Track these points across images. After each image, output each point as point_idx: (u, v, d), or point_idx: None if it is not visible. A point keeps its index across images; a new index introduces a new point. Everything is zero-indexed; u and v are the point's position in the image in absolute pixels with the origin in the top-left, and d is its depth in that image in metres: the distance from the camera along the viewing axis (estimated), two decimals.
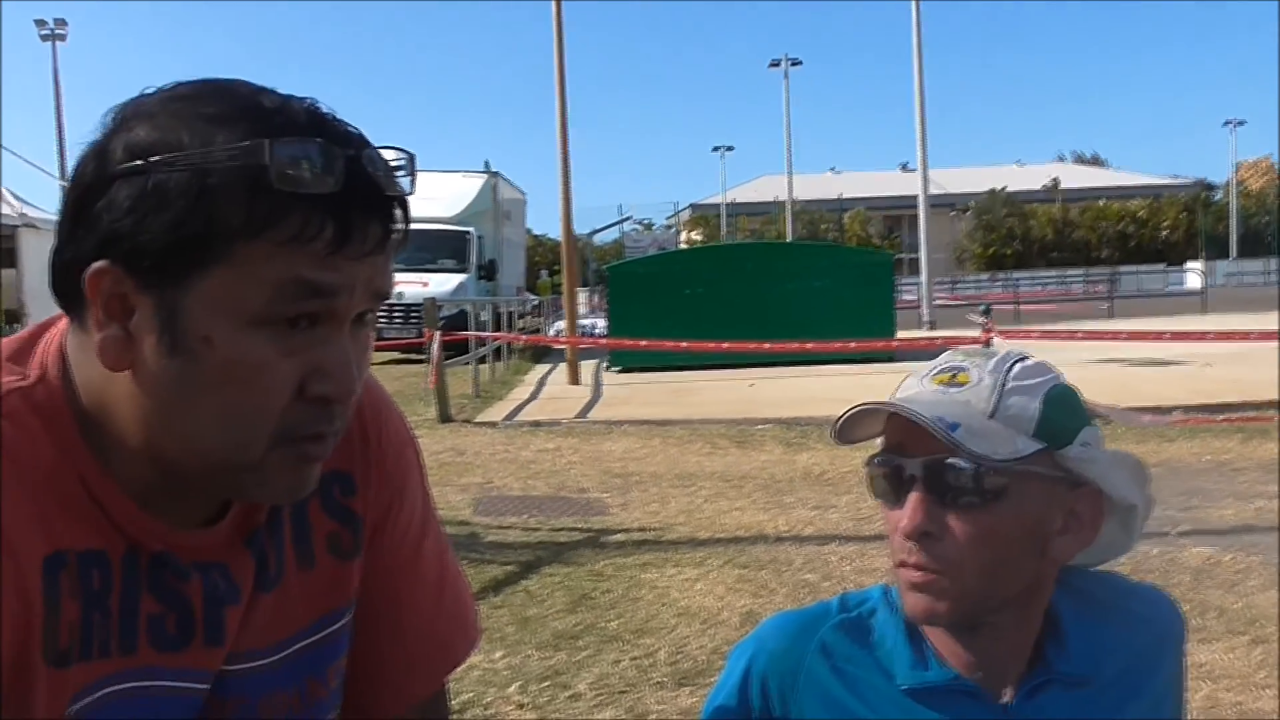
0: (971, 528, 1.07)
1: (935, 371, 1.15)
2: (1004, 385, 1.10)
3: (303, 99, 0.87)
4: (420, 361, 11.80)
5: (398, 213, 0.86)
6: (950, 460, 1.07)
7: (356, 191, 0.82)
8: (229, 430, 0.85)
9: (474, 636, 1.19)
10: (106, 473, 0.88)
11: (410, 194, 0.87)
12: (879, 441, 1.16)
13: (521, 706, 3.60)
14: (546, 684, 3.77)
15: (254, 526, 0.97)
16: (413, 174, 0.87)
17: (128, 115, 0.85)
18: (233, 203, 0.81)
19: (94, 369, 0.86)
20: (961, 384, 1.11)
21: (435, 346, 11.39)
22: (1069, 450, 1.10)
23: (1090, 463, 1.11)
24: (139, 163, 0.81)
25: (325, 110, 0.86)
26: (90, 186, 0.83)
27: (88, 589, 0.86)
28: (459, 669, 1.19)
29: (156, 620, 0.90)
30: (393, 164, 0.86)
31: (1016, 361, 1.13)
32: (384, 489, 1.08)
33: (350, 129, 0.86)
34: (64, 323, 0.91)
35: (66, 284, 0.86)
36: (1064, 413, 1.11)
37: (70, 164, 0.89)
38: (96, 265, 0.82)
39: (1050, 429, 1.09)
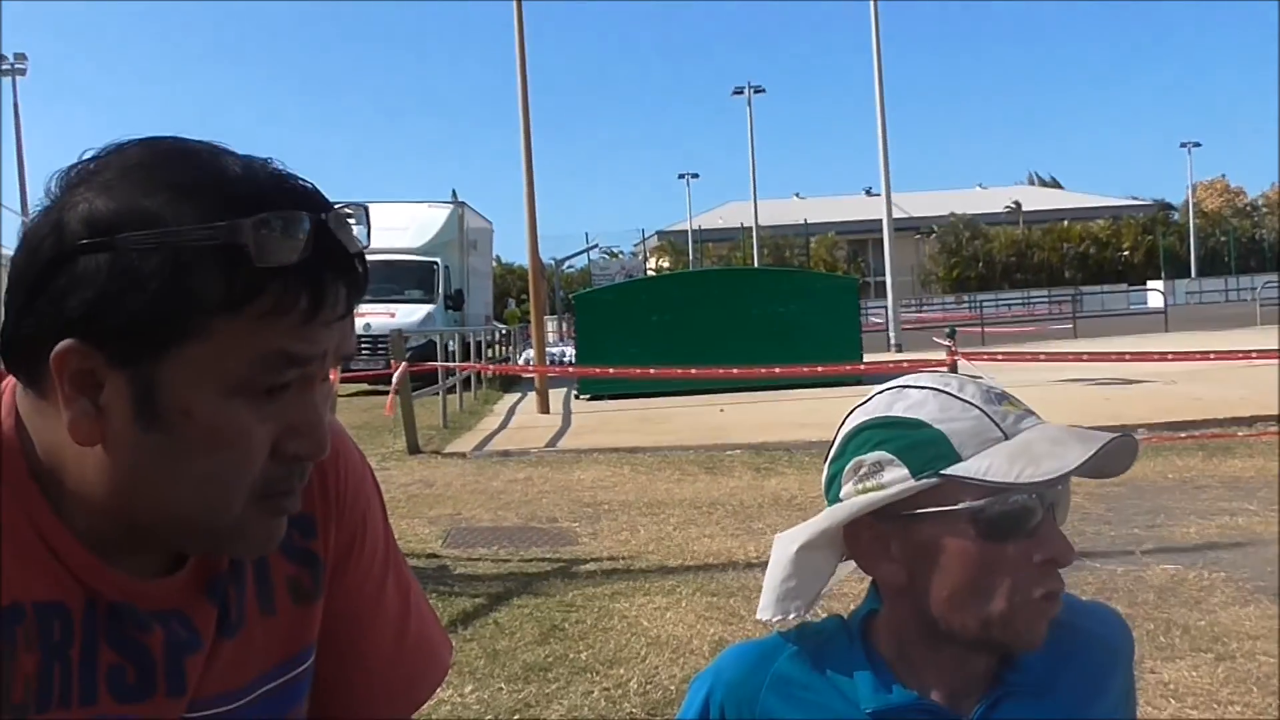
0: None
1: (998, 396, 1.13)
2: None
3: (263, 159, 0.86)
4: (387, 393, 11.76)
5: (360, 270, 0.87)
6: (1065, 482, 1.08)
7: (326, 256, 0.83)
8: (207, 496, 0.86)
9: (440, 673, 1.19)
10: (63, 524, 0.87)
11: (366, 247, 0.87)
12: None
13: None
14: (517, 717, 3.76)
15: (214, 573, 0.96)
16: (367, 227, 0.87)
17: (78, 183, 0.84)
18: (210, 282, 0.80)
19: (50, 430, 0.86)
20: (1024, 411, 1.12)
21: (396, 377, 11.35)
22: None
23: None
24: (104, 239, 0.80)
25: (284, 170, 0.86)
26: (50, 261, 0.81)
27: (47, 641, 0.86)
28: (425, 705, 1.19)
29: (117, 671, 0.90)
30: (349, 219, 0.86)
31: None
32: (344, 528, 1.08)
33: (309, 187, 0.86)
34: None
35: (21, 356, 0.85)
36: None
37: (31, 202, 0.88)
38: (64, 345, 0.81)
39: None
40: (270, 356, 0.83)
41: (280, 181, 0.85)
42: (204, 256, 0.80)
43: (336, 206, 0.86)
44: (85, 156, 0.86)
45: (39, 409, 0.87)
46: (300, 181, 0.86)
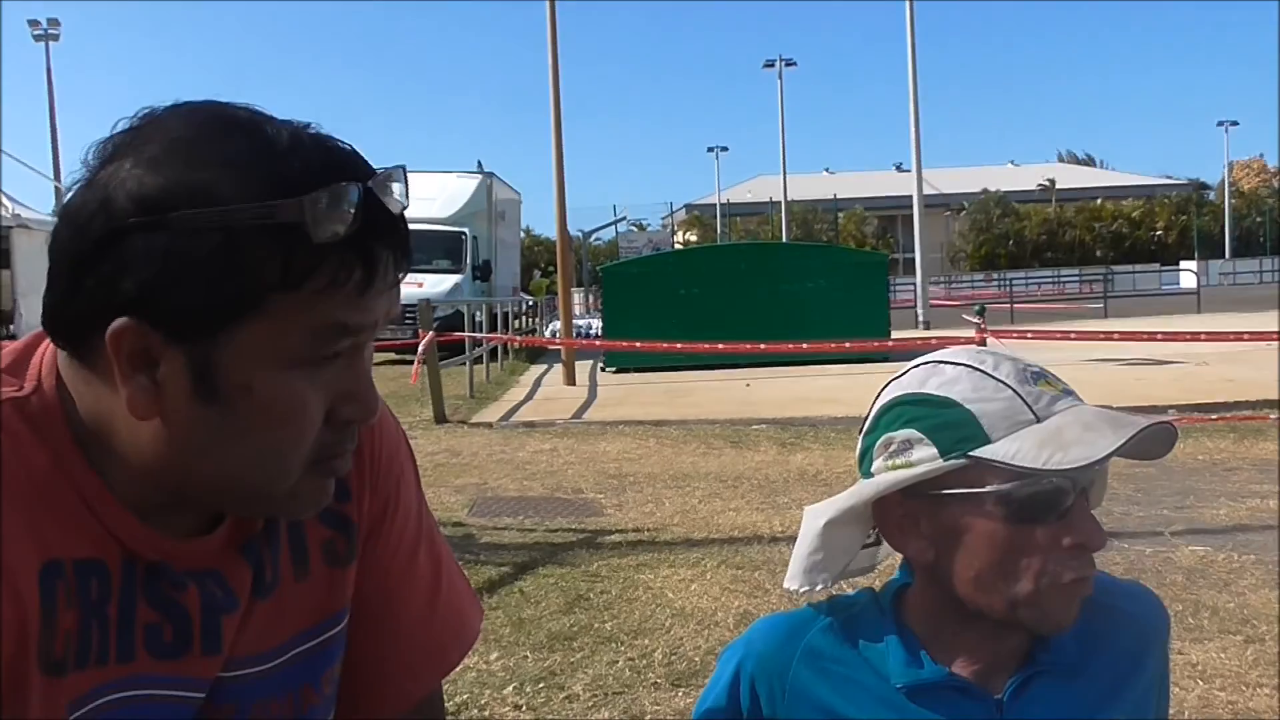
0: None
1: (1035, 376, 1.11)
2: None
3: (304, 125, 0.86)
4: (414, 362, 11.81)
5: (405, 233, 0.87)
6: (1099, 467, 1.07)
7: (375, 224, 0.82)
8: (266, 466, 0.87)
9: (470, 639, 1.20)
10: (103, 484, 0.88)
11: (406, 206, 0.87)
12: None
13: (518, 708, 3.60)
14: (542, 685, 3.78)
15: (249, 534, 0.97)
16: (406, 185, 0.87)
17: (119, 156, 0.83)
18: (269, 260, 0.80)
19: (97, 398, 0.86)
20: (1060, 391, 1.10)
21: (422, 347, 11.39)
22: None
23: None
24: (157, 218, 0.79)
25: (326, 135, 0.86)
26: (100, 240, 0.80)
27: (85, 598, 0.87)
28: (454, 670, 1.20)
29: (154, 629, 0.91)
30: (390, 180, 0.85)
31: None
32: (378, 494, 1.09)
33: (351, 151, 0.86)
34: None
35: (70, 332, 0.85)
36: None
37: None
38: (119, 324, 0.81)
39: None
40: (326, 329, 0.84)
41: (326, 150, 0.84)
42: (260, 234, 0.80)
43: (377, 171, 0.86)
44: (119, 128, 0.85)
45: (85, 378, 0.87)
46: (343, 146, 0.86)
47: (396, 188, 0.85)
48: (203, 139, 0.82)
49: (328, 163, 0.83)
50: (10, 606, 0.81)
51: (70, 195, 0.84)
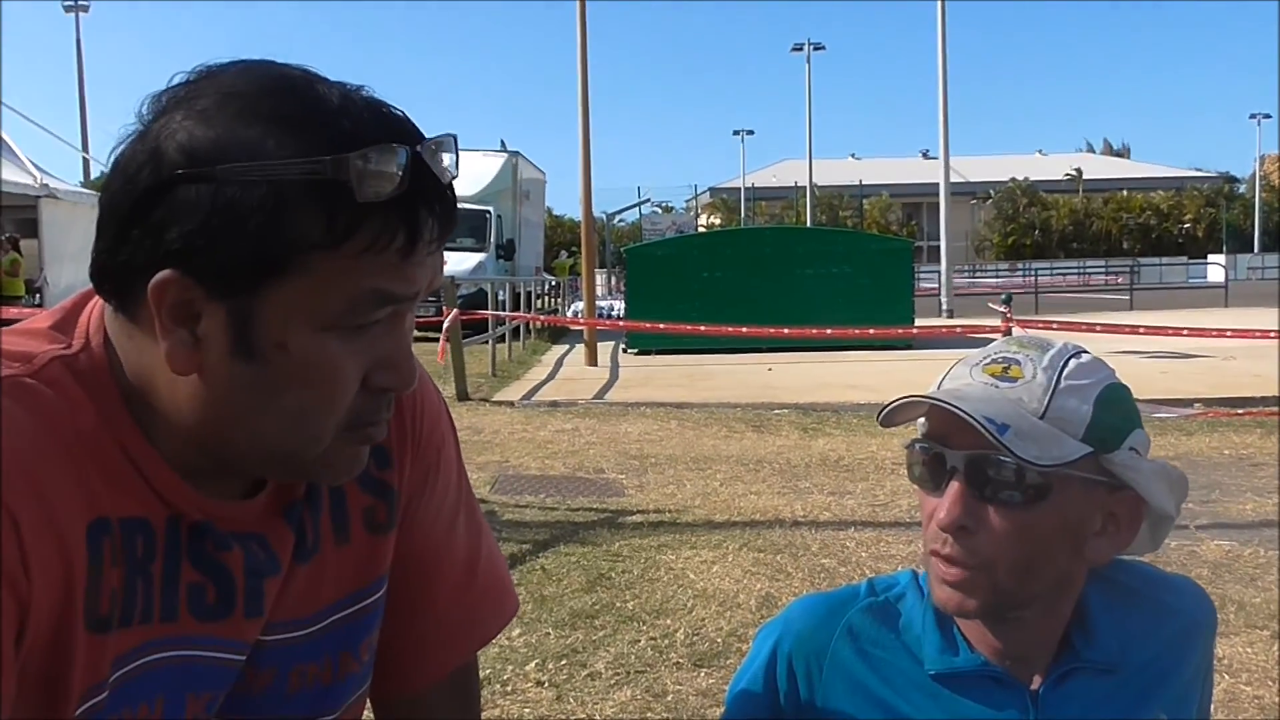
0: (1009, 524, 1.06)
1: (987, 361, 1.10)
2: (1057, 385, 1.06)
3: (356, 88, 0.85)
4: (436, 339, 11.83)
5: (452, 201, 0.86)
6: (994, 456, 1.04)
7: (422, 189, 0.82)
8: (299, 428, 0.86)
9: (509, 612, 1.20)
10: (149, 443, 0.88)
11: (455, 176, 0.86)
12: (920, 423, 1.14)
13: (540, 684, 3.62)
14: (564, 662, 3.79)
15: (292, 498, 0.97)
16: (456, 156, 0.86)
17: (172, 109, 0.83)
18: (312, 217, 0.80)
19: (141, 354, 0.86)
20: (1014, 378, 1.07)
21: (447, 324, 11.41)
22: (1115, 455, 1.07)
23: (1134, 470, 1.08)
24: (205, 169, 0.79)
25: (378, 99, 0.85)
26: (148, 190, 0.81)
27: (131, 556, 0.86)
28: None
29: (197, 589, 0.91)
30: (439, 149, 0.85)
31: (1071, 358, 1.09)
32: (419, 463, 1.08)
33: (402, 116, 0.85)
34: None
35: (116, 283, 0.85)
36: (1115, 416, 1.08)
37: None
38: (162, 276, 0.81)
39: (1099, 433, 1.06)
40: (367, 296, 0.83)
41: (377, 112, 0.84)
42: (306, 191, 0.79)
43: (429, 139, 0.85)
44: (175, 81, 0.85)
45: (129, 332, 0.87)
46: (394, 110, 0.85)
47: (447, 157, 0.84)
48: (255, 95, 0.82)
49: (378, 123, 0.82)
50: (57, 562, 0.81)
51: (122, 147, 0.84)
